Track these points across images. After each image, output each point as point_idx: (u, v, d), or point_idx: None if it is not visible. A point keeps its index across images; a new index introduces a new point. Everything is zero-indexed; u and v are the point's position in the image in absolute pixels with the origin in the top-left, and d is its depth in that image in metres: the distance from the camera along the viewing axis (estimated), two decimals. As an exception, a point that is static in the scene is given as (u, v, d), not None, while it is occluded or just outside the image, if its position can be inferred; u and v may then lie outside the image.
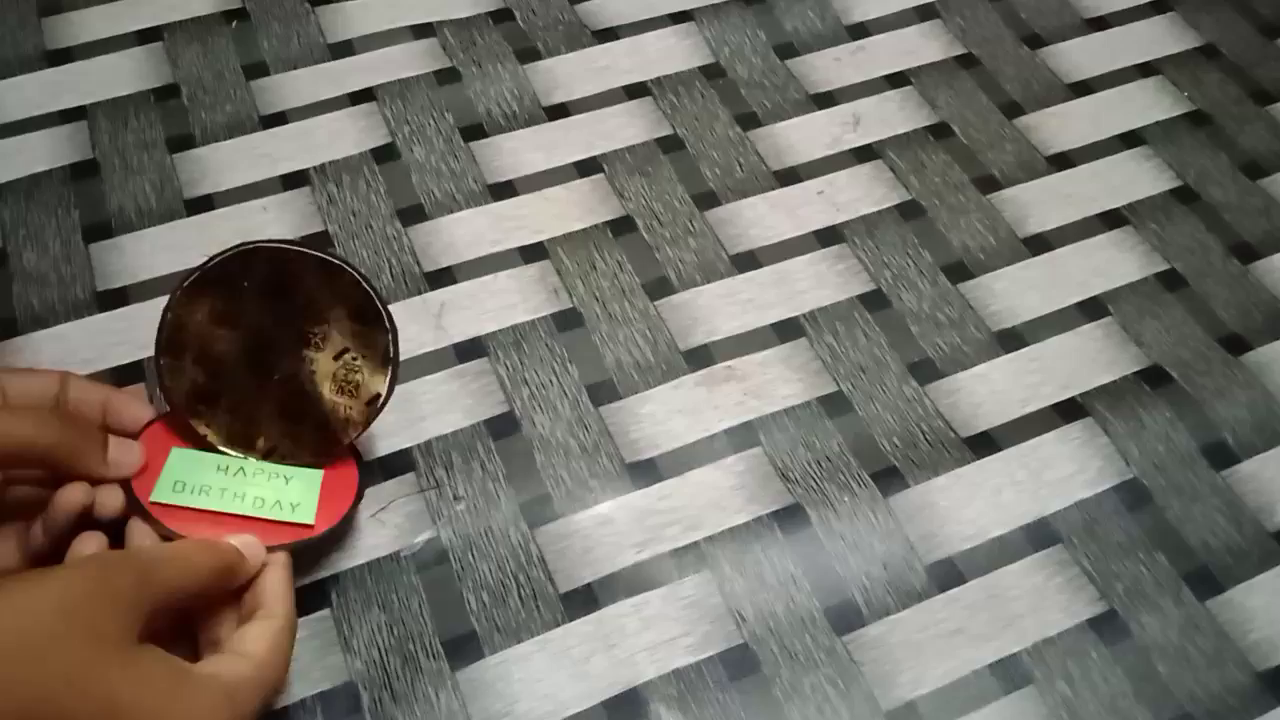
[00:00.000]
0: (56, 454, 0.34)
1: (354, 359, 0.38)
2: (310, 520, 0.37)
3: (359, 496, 0.39)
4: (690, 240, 0.48)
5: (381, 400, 0.39)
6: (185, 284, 0.37)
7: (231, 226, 0.47)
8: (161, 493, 0.36)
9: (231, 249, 0.37)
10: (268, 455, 0.38)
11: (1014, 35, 0.57)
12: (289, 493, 0.38)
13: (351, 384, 0.38)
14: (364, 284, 0.38)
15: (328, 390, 0.38)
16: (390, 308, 0.40)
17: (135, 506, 0.36)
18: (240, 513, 0.37)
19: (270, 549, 0.36)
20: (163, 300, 0.37)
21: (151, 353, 0.38)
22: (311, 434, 0.38)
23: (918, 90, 0.54)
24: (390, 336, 0.38)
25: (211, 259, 0.37)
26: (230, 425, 0.38)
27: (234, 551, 0.34)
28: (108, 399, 0.37)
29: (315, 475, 0.38)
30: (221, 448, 0.38)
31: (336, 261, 0.38)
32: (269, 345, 0.38)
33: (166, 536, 0.36)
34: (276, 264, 0.37)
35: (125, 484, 0.36)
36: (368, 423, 0.39)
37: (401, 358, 0.43)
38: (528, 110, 0.52)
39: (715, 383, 0.44)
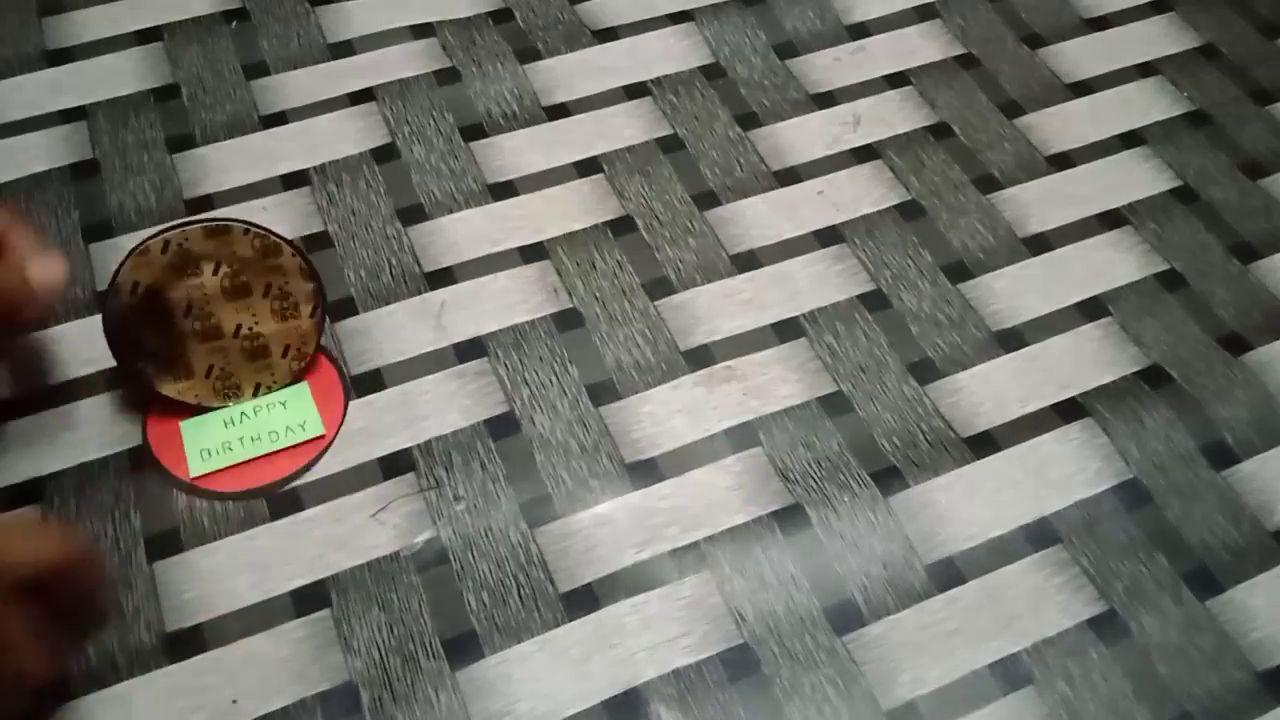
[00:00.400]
0: None
1: (280, 288, 0.42)
2: (321, 430, 0.42)
3: (347, 388, 0.43)
4: (690, 240, 0.48)
5: (320, 307, 0.42)
6: (108, 300, 0.40)
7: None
8: (195, 466, 0.40)
9: (127, 255, 0.40)
10: (256, 394, 0.42)
11: (1014, 35, 0.57)
12: (291, 415, 0.42)
13: (290, 306, 0.42)
14: (252, 227, 0.41)
15: (275, 321, 0.42)
16: (388, 306, 0.45)
17: (181, 486, 0.40)
18: (264, 451, 0.41)
19: (301, 469, 0.41)
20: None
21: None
22: (281, 361, 0.42)
23: (918, 90, 0.54)
24: (296, 253, 0.42)
25: (116, 270, 0.40)
26: (213, 387, 0.41)
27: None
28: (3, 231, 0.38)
29: (303, 388, 0.42)
30: (215, 405, 0.42)
31: (220, 221, 0.41)
32: (207, 315, 0.41)
33: (221, 498, 0.40)
34: (173, 249, 0.40)
35: (160, 469, 0.40)
36: (320, 328, 0.42)
37: (400, 358, 0.43)
38: (528, 110, 0.52)
39: (715, 383, 0.44)
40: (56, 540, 0.34)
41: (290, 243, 0.42)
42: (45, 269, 0.38)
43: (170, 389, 0.41)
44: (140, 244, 0.39)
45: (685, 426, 0.43)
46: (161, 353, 0.41)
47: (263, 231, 0.41)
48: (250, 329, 0.41)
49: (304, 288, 0.42)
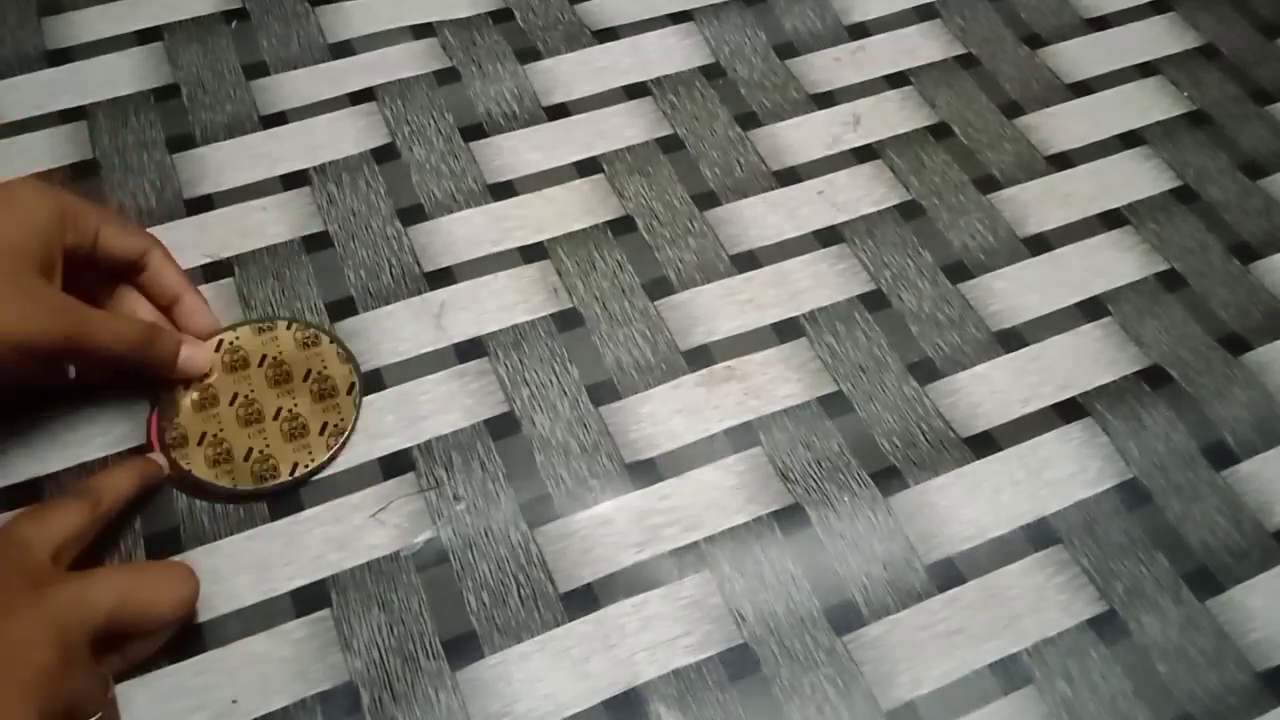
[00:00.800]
0: (143, 361, 0.40)
1: (319, 371, 0.43)
2: (323, 456, 0.41)
3: (355, 418, 0.42)
4: (690, 240, 0.48)
5: (358, 385, 0.42)
6: (161, 403, 0.42)
7: (231, 227, 0.47)
8: (196, 470, 0.40)
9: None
10: (293, 473, 0.41)
11: (1014, 35, 0.57)
12: None
13: (329, 387, 0.42)
14: (294, 322, 0.43)
15: (313, 401, 0.42)
16: (388, 306, 0.45)
17: (182, 486, 0.40)
18: None
19: (300, 480, 0.41)
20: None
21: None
22: (319, 438, 0.41)
23: (918, 90, 0.54)
24: (334, 340, 0.43)
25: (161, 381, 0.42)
26: (250, 470, 0.41)
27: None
28: (181, 296, 0.42)
29: None
30: (248, 489, 0.40)
31: (268, 321, 0.43)
32: (250, 401, 0.42)
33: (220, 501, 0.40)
34: (225, 347, 0.43)
35: (170, 467, 0.40)
36: (358, 403, 0.42)
37: (400, 358, 0.43)
38: (528, 110, 0.52)
39: (715, 383, 0.44)
40: (191, 593, 0.36)
41: (329, 331, 0.43)
42: (194, 358, 0.41)
43: (208, 474, 0.40)
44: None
45: (685, 426, 0.43)
46: (206, 439, 0.41)
47: (305, 324, 0.43)
48: (290, 410, 0.42)
49: (342, 370, 0.43)
